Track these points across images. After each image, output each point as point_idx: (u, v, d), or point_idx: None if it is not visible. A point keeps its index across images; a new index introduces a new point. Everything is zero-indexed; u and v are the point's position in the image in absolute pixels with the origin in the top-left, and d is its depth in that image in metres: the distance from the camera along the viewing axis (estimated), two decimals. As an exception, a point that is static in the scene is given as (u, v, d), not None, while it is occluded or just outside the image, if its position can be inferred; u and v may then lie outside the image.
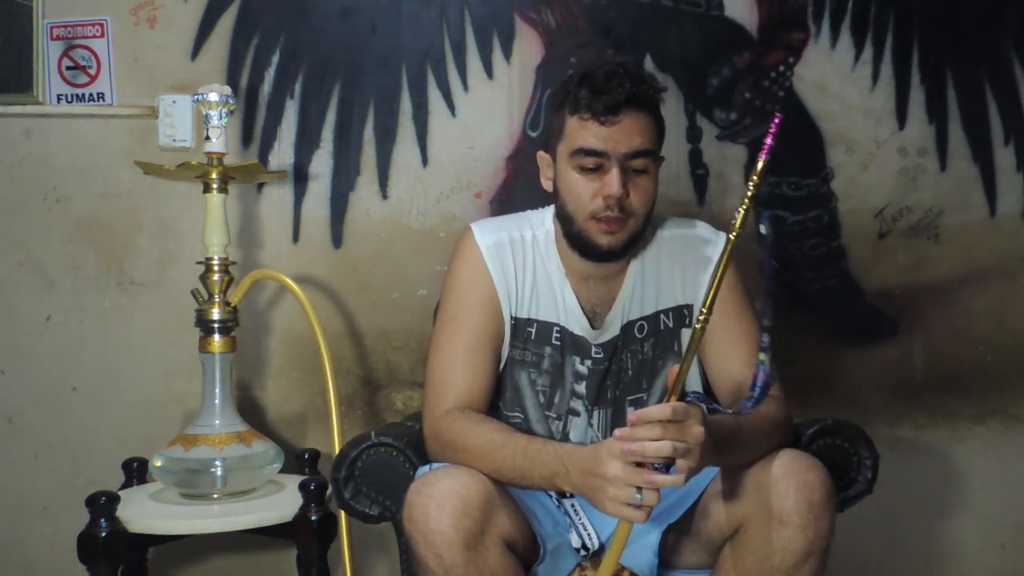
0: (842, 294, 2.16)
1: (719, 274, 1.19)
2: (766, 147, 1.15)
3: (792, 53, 2.15)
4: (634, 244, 1.48)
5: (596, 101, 1.39)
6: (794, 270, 2.15)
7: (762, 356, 1.22)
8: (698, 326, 1.20)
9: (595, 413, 1.52)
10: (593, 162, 1.41)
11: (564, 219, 1.48)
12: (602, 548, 1.44)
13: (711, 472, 1.38)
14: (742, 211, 1.16)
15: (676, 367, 1.22)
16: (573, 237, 1.47)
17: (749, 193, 1.16)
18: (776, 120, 1.17)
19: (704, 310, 1.20)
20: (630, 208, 1.42)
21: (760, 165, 1.15)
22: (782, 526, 1.26)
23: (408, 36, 2.11)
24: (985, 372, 2.18)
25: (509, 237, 1.53)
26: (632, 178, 1.41)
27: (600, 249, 1.44)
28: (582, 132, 1.41)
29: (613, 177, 1.39)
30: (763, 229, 1.19)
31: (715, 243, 1.54)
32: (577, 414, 1.52)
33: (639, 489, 1.19)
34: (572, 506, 1.46)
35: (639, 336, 1.53)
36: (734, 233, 1.17)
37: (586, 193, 1.42)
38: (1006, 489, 2.18)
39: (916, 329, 2.17)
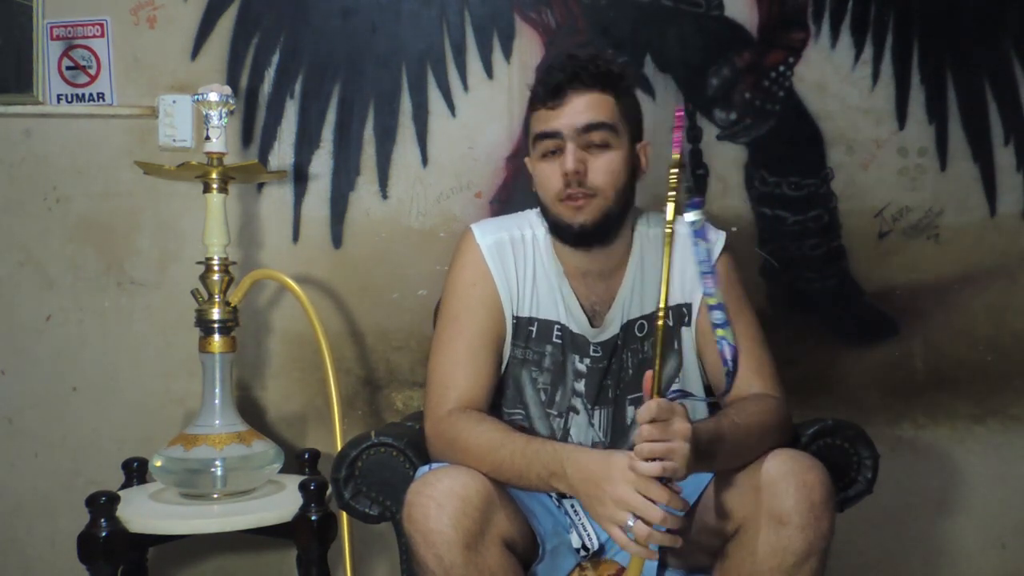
0: (842, 294, 2.16)
1: (666, 270, 1.21)
2: (677, 140, 1.19)
3: (792, 53, 2.14)
4: (611, 224, 1.47)
5: (543, 89, 1.45)
6: (794, 270, 2.15)
7: (720, 332, 1.25)
8: (659, 322, 1.21)
9: (596, 412, 1.52)
10: (552, 144, 1.44)
11: (543, 210, 1.50)
12: (602, 548, 1.44)
13: (710, 474, 1.38)
14: (671, 206, 1.20)
15: (650, 371, 1.24)
16: (552, 225, 1.49)
17: (672, 186, 1.19)
18: (679, 113, 1.22)
19: (660, 307, 1.21)
20: (592, 184, 1.43)
21: (675, 156, 1.19)
22: (782, 526, 1.26)
23: (408, 36, 2.11)
24: (985, 372, 2.18)
25: (509, 236, 1.54)
26: (593, 153, 1.43)
27: (572, 229, 1.45)
28: (537, 121, 1.47)
29: (567, 153, 1.42)
30: (689, 217, 1.24)
31: (715, 241, 1.54)
32: (577, 412, 1.52)
33: (635, 517, 1.19)
34: (572, 506, 1.46)
35: (639, 335, 1.53)
36: (668, 227, 1.20)
37: (551, 176, 1.45)
38: (1006, 489, 2.18)
39: (916, 329, 2.17)
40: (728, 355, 1.25)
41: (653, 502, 1.19)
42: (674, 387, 1.37)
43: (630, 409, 1.52)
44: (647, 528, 1.19)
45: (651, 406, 1.20)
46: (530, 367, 1.52)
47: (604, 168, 1.43)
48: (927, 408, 2.18)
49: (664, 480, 1.20)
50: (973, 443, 2.18)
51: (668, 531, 1.21)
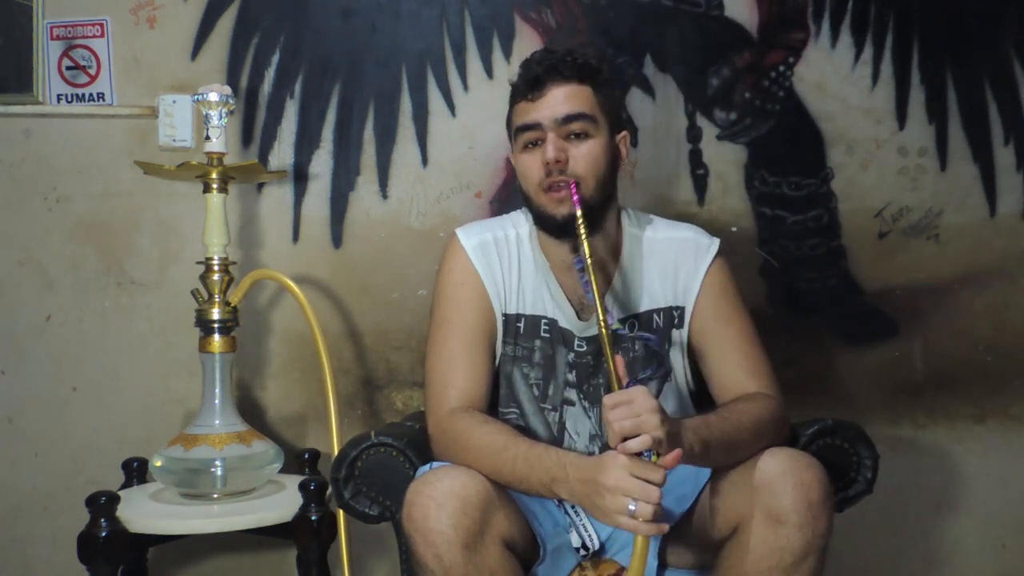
0: (842, 294, 2.16)
1: (596, 293, 1.33)
2: (576, 201, 1.38)
3: (792, 53, 2.14)
4: (594, 215, 1.46)
5: (522, 82, 1.48)
6: (794, 270, 2.15)
7: (631, 334, 1.42)
8: (603, 329, 1.30)
9: (592, 411, 1.53)
10: (533, 136, 1.47)
11: (526, 202, 1.52)
12: (603, 548, 1.44)
13: (708, 472, 1.38)
14: (584, 247, 1.36)
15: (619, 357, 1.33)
16: (536, 217, 1.51)
17: (583, 237, 1.37)
18: (574, 188, 1.40)
19: (600, 311, 1.32)
20: (573, 172, 1.44)
21: (579, 210, 1.38)
22: (780, 525, 1.26)
23: (408, 36, 2.11)
24: (985, 372, 2.17)
25: (493, 236, 1.56)
26: (573, 143, 1.45)
27: (556, 220, 1.46)
28: (518, 114, 1.49)
29: (548, 142, 1.44)
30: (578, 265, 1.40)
31: (709, 247, 1.56)
32: (572, 403, 1.53)
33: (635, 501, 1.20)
34: (573, 507, 1.46)
35: (630, 334, 1.53)
36: (589, 259, 1.35)
37: (532, 166, 1.47)
38: (1006, 489, 2.18)
39: (916, 329, 2.17)
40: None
41: (648, 482, 1.21)
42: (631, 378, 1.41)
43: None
44: (649, 507, 1.20)
45: (608, 398, 1.24)
46: (521, 363, 1.53)
47: (584, 156, 1.45)
48: (927, 408, 2.18)
49: (649, 456, 1.22)
50: (973, 443, 2.18)
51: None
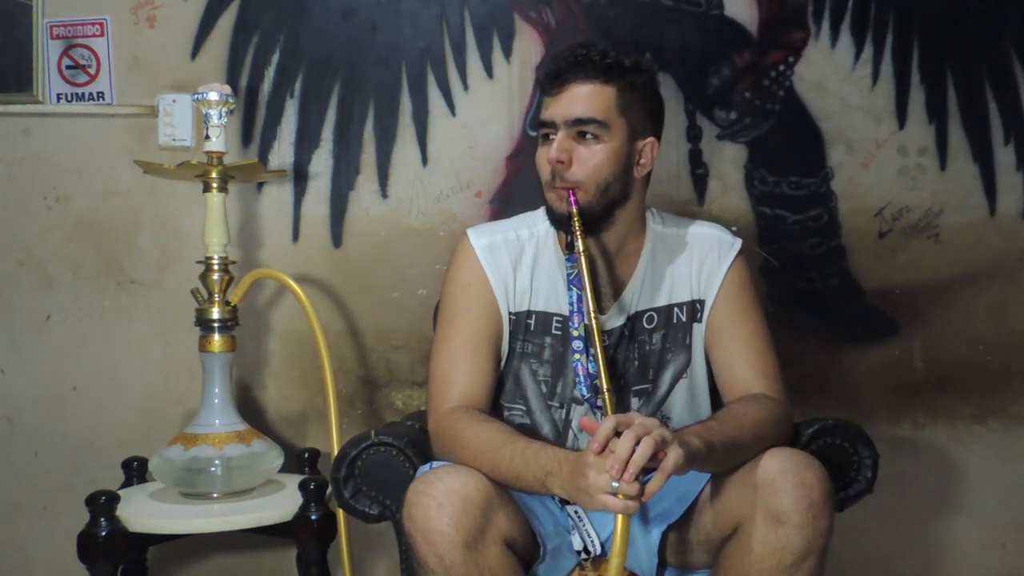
0: (842, 293, 2.16)
1: (588, 287, 1.38)
2: (573, 202, 1.41)
3: (792, 52, 2.14)
4: (598, 216, 1.47)
5: (546, 77, 1.49)
6: (794, 269, 2.15)
7: (577, 356, 1.42)
8: (594, 324, 1.37)
9: (600, 411, 1.52)
10: (548, 132, 1.47)
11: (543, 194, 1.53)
12: (604, 552, 1.44)
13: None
14: (579, 243, 1.41)
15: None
16: (546, 210, 1.51)
17: (578, 236, 1.41)
18: (570, 194, 1.42)
19: (591, 309, 1.37)
20: (573, 177, 1.44)
21: (575, 209, 1.41)
22: (781, 525, 1.26)
23: (408, 35, 2.11)
24: (985, 372, 2.17)
25: (503, 238, 1.55)
26: (582, 143, 1.45)
27: (558, 215, 1.47)
28: (542, 107, 1.50)
29: (555, 141, 1.45)
30: (568, 270, 1.44)
31: (733, 244, 1.57)
32: (580, 402, 1.52)
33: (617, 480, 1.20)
34: (576, 511, 1.45)
35: (648, 327, 1.54)
36: (581, 254, 1.41)
37: (543, 161, 1.48)
38: (1006, 489, 2.18)
39: (916, 329, 2.17)
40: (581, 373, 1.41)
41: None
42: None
43: (634, 401, 1.53)
44: (633, 485, 1.19)
45: (601, 431, 1.22)
46: (530, 360, 1.53)
47: (586, 163, 1.44)
48: (927, 408, 2.18)
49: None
50: (973, 443, 2.18)
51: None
